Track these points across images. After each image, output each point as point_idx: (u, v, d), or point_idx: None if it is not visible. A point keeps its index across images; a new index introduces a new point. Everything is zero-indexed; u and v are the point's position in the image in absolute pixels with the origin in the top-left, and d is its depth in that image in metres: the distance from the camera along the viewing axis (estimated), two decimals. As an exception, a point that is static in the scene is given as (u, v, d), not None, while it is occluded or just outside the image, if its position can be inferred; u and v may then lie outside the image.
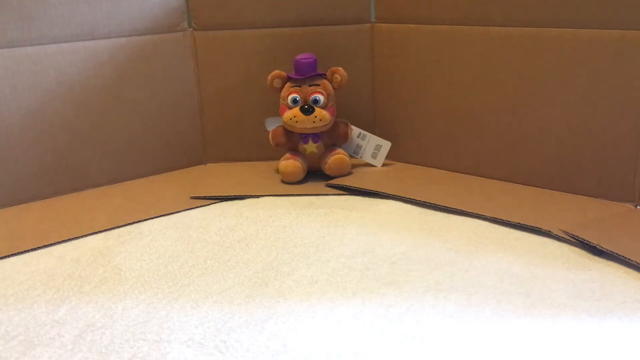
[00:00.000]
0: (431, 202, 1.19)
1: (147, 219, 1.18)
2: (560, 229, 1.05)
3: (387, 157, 1.39)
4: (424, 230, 1.10)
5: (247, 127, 1.44)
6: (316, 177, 1.35)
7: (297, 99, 1.31)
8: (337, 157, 1.33)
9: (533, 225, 1.08)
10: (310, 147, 1.34)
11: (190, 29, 1.40)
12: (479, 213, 1.13)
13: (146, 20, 1.34)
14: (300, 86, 1.32)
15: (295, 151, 1.35)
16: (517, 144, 1.25)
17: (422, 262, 0.99)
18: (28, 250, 1.07)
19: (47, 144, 1.27)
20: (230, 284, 0.95)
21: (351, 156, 1.38)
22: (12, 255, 1.06)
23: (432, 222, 1.13)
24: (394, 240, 1.07)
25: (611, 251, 0.97)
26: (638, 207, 1.14)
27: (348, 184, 1.29)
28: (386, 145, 1.38)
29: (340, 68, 1.32)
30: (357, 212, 1.19)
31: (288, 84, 1.33)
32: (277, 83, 1.33)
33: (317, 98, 1.31)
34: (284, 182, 1.33)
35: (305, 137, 1.33)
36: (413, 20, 1.33)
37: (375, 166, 1.40)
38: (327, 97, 1.32)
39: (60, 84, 1.27)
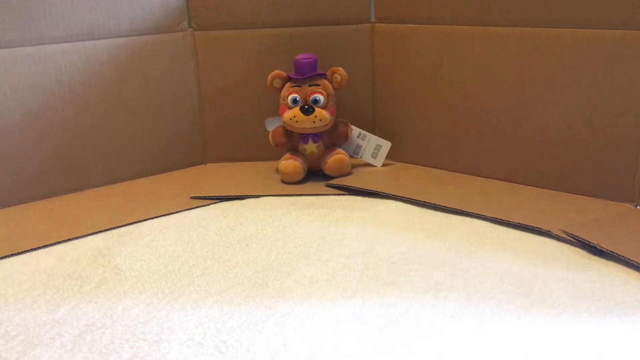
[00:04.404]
0: (431, 202, 1.19)
1: (147, 219, 1.18)
2: (560, 229, 1.05)
3: (387, 157, 1.39)
4: (424, 230, 1.10)
5: (247, 127, 1.44)
6: (316, 177, 1.35)
7: (297, 99, 1.31)
8: (337, 157, 1.33)
9: (533, 225, 1.08)
10: (310, 147, 1.34)
11: (190, 29, 1.40)
12: (479, 213, 1.13)
13: (146, 20, 1.34)
14: (300, 86, 1.32)
15: (295, 151, 1.35)
16: (517, 144, 1.25)
17: (422, 262, 0.99)
18: (28, 250, 1.07)
19: (47, 144, 1.27)
20: (230, 284, 0.95)
21: (351, 156, 1.38)
22: (12, 255, 1.06)
23: (432, 222, 1.13)
24: (394, 240, 1.07)
25: (611, 251, 0.97)
26: (638, 207, 1.14)
27: (348, 184, 1.29)
28: (386, 145, 1.38)
29: (340, 68, 1.32)
30: (357, 212, 1.19)
31: (288, 84, 1.33)
32: (277, 83, 1.33)
33: (317, 98, 1.31)
34: (284, 182, 1.33)
35: (305, 137, 1.33)
36: (413, 20, 1.33)
37: (375, 166, 1.40)
38: (327, 97, 1.32)
39: (60, 84, 1.27)
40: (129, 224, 1.16)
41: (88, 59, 1.29)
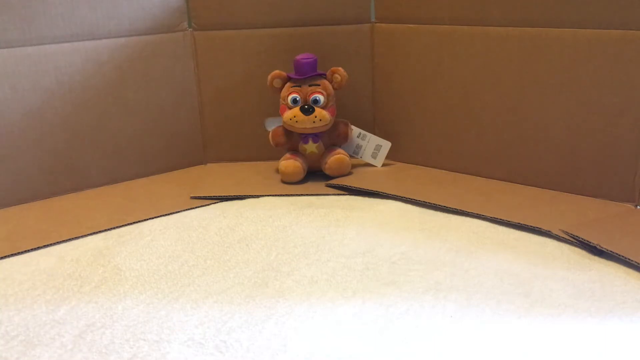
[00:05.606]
0: (431, 202, 1.19)
1: (147, 219, 1.18)
2: (560, 229, 1.05)
3: (387, 157, 1.39)
4: (424, 230, 1.10)
5: (247, 127, 1.44)
6: (316, 177, 1.35)
7: (297, 99, 1.31)
8: (337, 157, 1.33)
9: (533, 225, 1.08)
10: (310, 147, 1.34)
11: (190, 29, 1.40)
12: (479, 213, 1.13)
13: (146, 20, 1.34)
14: (300, 86, 1.32)
15: (295, 151, 1.35)
16: (517, 144, 1.25)
17: (422, 262, 0.99)
18: (28, 250, 1.07)
19: (47, 144, 1.27)
20: (230, 284, 0.95)
21: (351, 156, 1.38)
22: (12, 255, 1.06)
23: (432, 222, 1.13)
24: (394, 240, 1.07)
25: (611, 251, 0.97)
26: (638, 207, 1.14)
27: (348, 184, 1.29)
28: (386, 145, 1.38)
29: (340, 68, 1.32)
30: (357, 212, 1.19)
31: (288, 84, 1.33)
32: (277, 83, 1.33)
33: (317, 98, 1.31)
34: (284, 182, 1.33)
35: (305, 137, 1.33)
36: (413, 20, 1.33)
37: (375, 166, 1.40)
38: (327, 97, 1.32)
39: (60, 84, 1.27)
40: (129, 224, 1.16)
41: (88, 59, 1.29)
